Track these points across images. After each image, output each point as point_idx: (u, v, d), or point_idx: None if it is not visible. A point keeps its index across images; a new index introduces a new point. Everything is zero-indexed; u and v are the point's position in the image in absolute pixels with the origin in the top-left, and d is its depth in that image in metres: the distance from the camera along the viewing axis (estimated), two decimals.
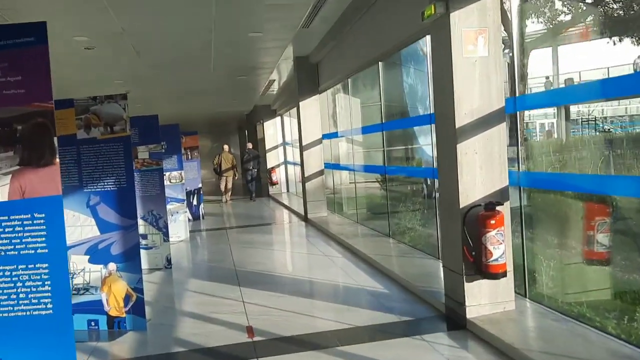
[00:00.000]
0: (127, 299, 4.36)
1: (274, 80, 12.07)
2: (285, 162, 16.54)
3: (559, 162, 6.49)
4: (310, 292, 5.37)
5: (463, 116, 3.82)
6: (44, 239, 2.69)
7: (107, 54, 7.68)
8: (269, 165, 16.49)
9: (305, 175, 10.04)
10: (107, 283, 4.38)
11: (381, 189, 13.60)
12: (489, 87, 3.85)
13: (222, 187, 15.22)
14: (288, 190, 16.51)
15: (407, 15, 5.19)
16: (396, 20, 5.71)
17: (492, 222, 3.69)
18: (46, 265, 2.69)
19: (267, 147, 16.57)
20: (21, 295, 2.71)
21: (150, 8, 5.74)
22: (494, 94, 3.86)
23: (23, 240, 2.69)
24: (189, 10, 5.87)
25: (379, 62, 7.22)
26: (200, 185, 11.61)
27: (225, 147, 15.47)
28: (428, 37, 4.92)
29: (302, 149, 10.09)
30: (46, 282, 2.69)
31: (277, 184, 16.32)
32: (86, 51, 7.28)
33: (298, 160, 15.96)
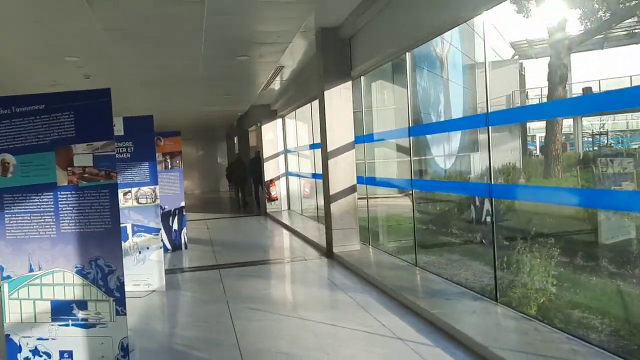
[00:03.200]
0: None
1: (282, 67, 9.26)
2: (287, 174, 13.67)
3: None
4: None
5: None
6: None
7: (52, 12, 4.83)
8: (266, 177, 13.60)
9: (331, 193, 7.20)
10: None
11: (415, 209, 10.83)
12: None
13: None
14: (289, 208, 13.63)
15: None
16: None
17: None
18: None
19: (265, 155, 13.69)
20: None
21: None
22: None
23: None
24: None
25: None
26: (183, 204, 8.68)
27: None
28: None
29: (326, 156, 7.27)
30: None
31: (277, 199, 13.44)
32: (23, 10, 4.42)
33: (302, 171, 13.21)
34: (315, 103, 10.61)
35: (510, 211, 9.66)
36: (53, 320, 3.81)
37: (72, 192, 3.74)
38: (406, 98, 6.08)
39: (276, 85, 11.15)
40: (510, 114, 6.47)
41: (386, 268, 6.12)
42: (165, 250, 8.56)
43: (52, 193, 3.78)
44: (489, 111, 4.38)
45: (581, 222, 8.14)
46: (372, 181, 7.62)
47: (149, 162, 5.90)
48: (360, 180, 7.39)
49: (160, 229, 5.94)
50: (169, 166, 8.66)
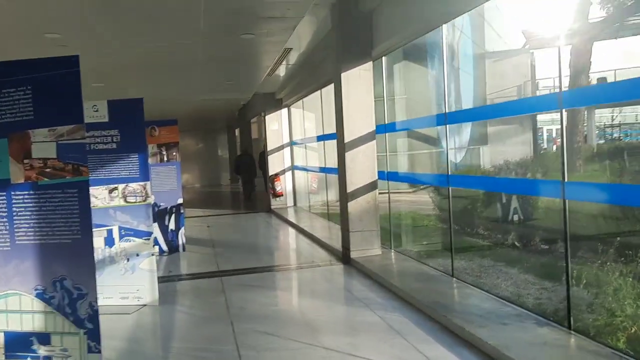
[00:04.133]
0: None
1: (290, 49, 8.34)
2: (293, 168, 12.78)
3: None
4: None
5: None
6: None
7: None
8: (271, 171, 12.71)
9: (349, 190, 6.31)
10: None
11: (436, 207, 9.95)
12: None
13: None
14: (295, 204, 12.75)
15: None
16: None
17: None
18: None
19: (270, 147, 12.78)
20: None
21: None
22: None
23: None
24: None
25: None
26: (180, 201, 7.79)
27: None
28: None
29: (342, 148, 6.37)
30: None
31: (282, 195, 12.55)
32: None
33: (309, 164, 12.32)
34: (326, 90, 9.70)
35: (535, 209, 8.79)
36: (6, 357, 2.95)
37: (30, 191, 2.87)
38: (443, 76, 5.17)
39: (282, 71, 10.24)
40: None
41: (416, 278, 5.23)
42: (161, 252, 7.70)
43: (4, 193, 2.90)
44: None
45: (622, 222, 7.26)
46: (394, 177, 6.72)
47: (139, 154, 5.01)
48: (381, 175, 6.49)
49: (152, 233, 5.05)
50: (165, 159, 7.77)
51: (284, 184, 12.66)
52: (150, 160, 7.70)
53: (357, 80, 6.26)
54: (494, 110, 6.53)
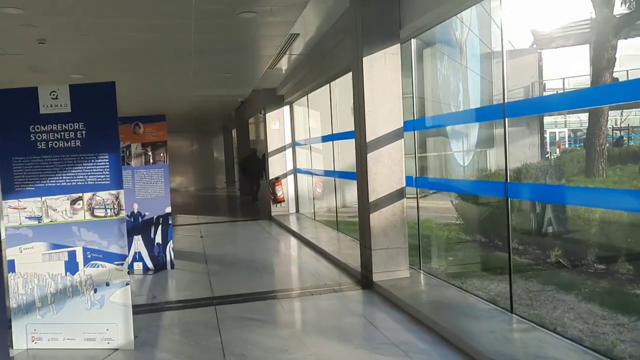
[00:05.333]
0: None
1: (296, 35, 7.25)
2: (295, 171, 11.67)
3: None
4: None
5: None
6: None
7: None
8: (271, 175, 11.60)
9: (371, 199, 5.20)
10: None
11: (460, 216, 8.84)
12: None
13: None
14: (297, 211, 11.63)
15: None
16: None
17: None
18: None
19: (270, 149, 11.67)
20: None
21: None
22: None
23: None
24: None
25: None
26: (168, 210, 6.67)
27: None
28: None
29: (364, 148, 5.27)
30: None
31: (284, 201, 11.44)
32: None
33: (314, 167, 11.24)
34: (334, 84, 8.61)
35: (572, 220, 7.73)
36: None
37: None
38: (502, 56, 4.08)
39: (284, 64, 9.15)
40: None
41: (462, 312, 4.13)
42: (145, 269, 6.59)
43: None
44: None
45: None
46: (424, 183, 5.64)
47: (110, 154, 3.89)
48: (408, 181, 5.40)
49: (126, 256, 3.92)
50: (151, 160, 6.65)
51: (286, 189, 11.55)
52: (133, 163, 6.60)
53: (383, 67, 5.17)
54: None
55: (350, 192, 13.97)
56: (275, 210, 11.39)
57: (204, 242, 8.66)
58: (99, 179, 3.87)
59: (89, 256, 3.89)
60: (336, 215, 9.22)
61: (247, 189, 17.09)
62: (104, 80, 3.90)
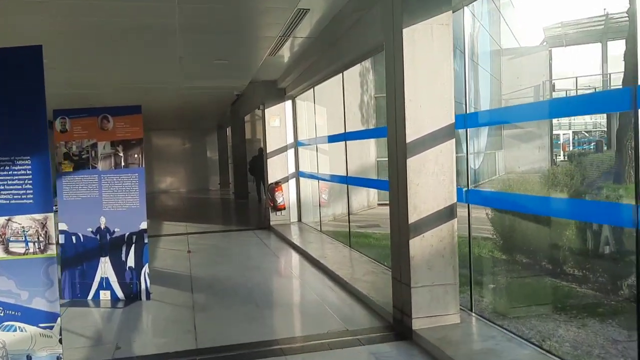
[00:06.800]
0: None
1: (307, 11, 5.90)
2: (298, 175, 10.32)
3: None
4: None
5: None
6: None
7: None
8: (270, 179, 10.24)
9: (411, 220, 3.86)
10: None
11: (497, 233, 7.48)
12: None
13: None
14: (300, 220, 10.28)
15: None
16: None
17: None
18: None
19: (269, 149, 10.32)
20: None
21: None
22: None
23: None
24: None
25: None
26: (144, 226, 5.29)
27: None
28: None
29: (399, 151, 3.93)
30: None
31: (284, 208, 10.08)
32: None
33: (319, 171, 9.89)
34: (348, 73, 7.27)
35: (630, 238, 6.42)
36: None
37: None
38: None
39: (287, 50, 7.80)
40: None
41: None
42: (115, 299, 5.23)
43: None
44: None
45: None
46: (480, 198, 4.29)
47: (34, 157, 2.52)
48: (460, 195, 4.06)
49: (57, 316, 2.56)
50: (122, 163, 5.28)
51: (287, 195, 10.20)
52: (100, 166, 5.24)
53: (429, 42, 3.83)
54: None
55: (356, 197, 12.67)
56: (275, 218, 10.04)
57: (191, 260, 7.28)
58: (15, 197, 2.50)
59: (1, 314, 2.52)
60: (348, 227, 7.88)
61: (243, 193, 15.82)
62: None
